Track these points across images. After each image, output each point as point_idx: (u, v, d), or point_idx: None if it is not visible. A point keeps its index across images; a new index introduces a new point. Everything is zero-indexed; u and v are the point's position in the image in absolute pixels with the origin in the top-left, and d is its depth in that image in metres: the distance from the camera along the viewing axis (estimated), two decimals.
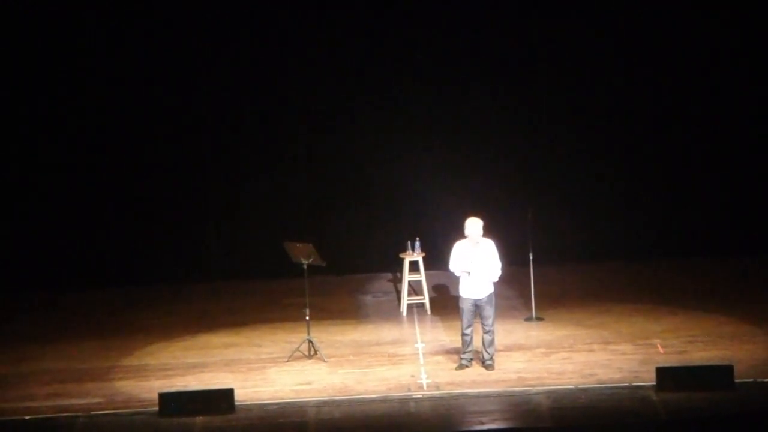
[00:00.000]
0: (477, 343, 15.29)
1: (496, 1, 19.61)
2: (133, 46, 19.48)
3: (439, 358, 15.79)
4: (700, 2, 19.61)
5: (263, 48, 19.65)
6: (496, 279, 15.15)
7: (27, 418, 14.26)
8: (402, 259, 18.16)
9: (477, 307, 15.13)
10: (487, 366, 15.17)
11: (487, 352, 15.19)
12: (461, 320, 15.20)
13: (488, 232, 15.32)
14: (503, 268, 15.27)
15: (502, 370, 15.15)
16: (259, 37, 19.64)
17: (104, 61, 19.47)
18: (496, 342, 15.32)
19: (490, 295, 15.14)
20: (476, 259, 15.04)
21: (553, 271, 19.03)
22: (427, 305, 18.04)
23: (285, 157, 20.02)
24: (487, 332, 15.13)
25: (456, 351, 15.59)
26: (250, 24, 19.61)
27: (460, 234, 15.23)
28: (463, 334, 15.22)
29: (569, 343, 16.13)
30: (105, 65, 19.49)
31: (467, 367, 15.23)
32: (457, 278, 15.23)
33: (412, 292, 18.28)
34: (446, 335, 16.67)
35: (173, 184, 19.88)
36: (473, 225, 15.09)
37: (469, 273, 15.06)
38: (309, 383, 15.04)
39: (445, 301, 18.16)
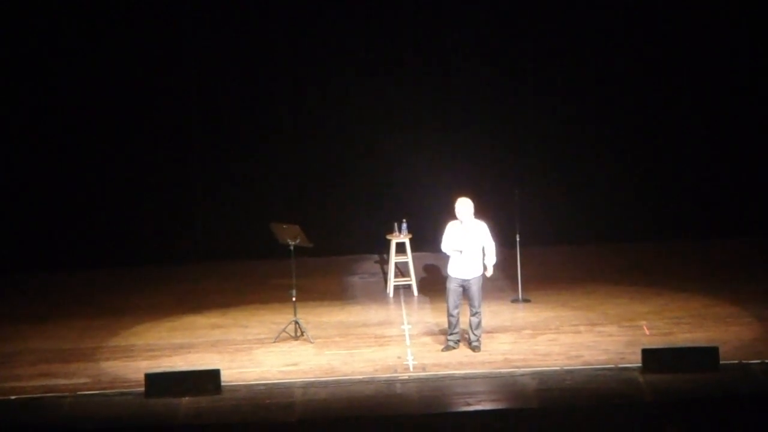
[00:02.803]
0: (463, 324, 15.31)
1: None
2: (112, 23, 19.39)
3: (426, 339, 15.81)
4: None
5: (249, 27, 19.60)
6: (495, 260, 15.16)
7: (13, 398, 14.24)
8: (389, 241, 18.17)
9: (464, 288, 15.16)
10: (474, 347, 15.18)
11: (473, 333, 15.20)
12: (447, 300, 15.24)
13: (476, 213, 15.33)
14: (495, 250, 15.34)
15: (488, 351, 15.18)
16: (245, 17, 19.59)
17: (83, 41, 19.40)
18: (483, 323, 15.34)
19: (478, 276, 15.15)
20: (467, 239, 15.07)
21: (540, 253, 19.07)
22: (414, 287, 18.05)
23: (271, 137, 19.99)
24: (474, 314, 15.14)
25: (443, 332, 15.61)
26: (237, 3, 19.56)
27: (447, 215, 15.27)
28: (449, 315, 15.24)
29: (555, 325, 16.16)
30: (84, 45, 19.41)
31: (454, 348, 15.25)
32: (448, 258, 15.26)
33: (398, 273, 18.29)
34: (433, 317, 16.68)
35: (158, 164, 19.84)
36: (463, 205, 15.12)
37: (461, 252, 15.08)
38: (295, 364, 15.05)
39: (431, 282, 18.17)
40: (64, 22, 19.34)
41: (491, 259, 15.19)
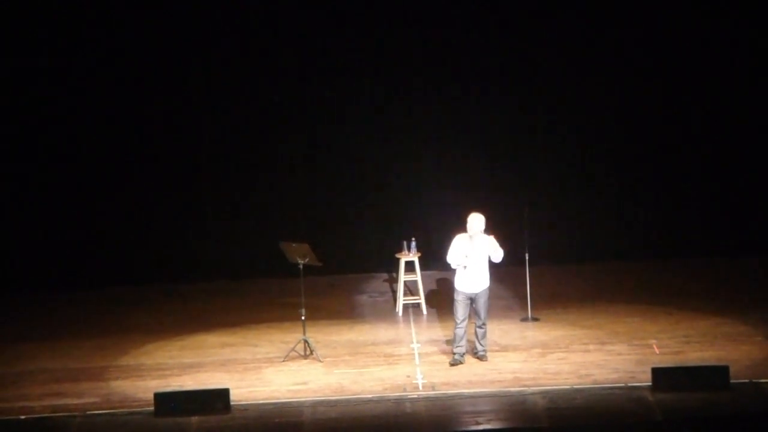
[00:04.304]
0: (469, 337, 15.35)
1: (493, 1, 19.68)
2: (128, 41, 19.45)
3: (435, 358, 15.79)
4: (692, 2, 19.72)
5: (261, 46, 19.66)
6: (498, 259, 15.19)
7: (23, 417, 14.24)
8: (398, 259, 18.17)
9: (471, 301, 15.23)
10: (481, 357, 15.30)
11: (479, 343, 15.37)
12: (455, 313, 15.30)
13: (487, 231, 15.35)
14: (503, 264, 15.36)
15: (497, 370, 15.16)
16: (257, 37, 19.64)
17: (100, 57, 19.45)
18: (492, 340, 15.35)
19: (485, 289, 15.26)
20: (471, 253, 15.11)
21: (549, 271, 19.05)
22: (423, 305, 18.04)
23: (281, 156, 20.01)
24: (480, 326, 15.30)
25: (451, 350, 15.57)
26: (249, 22, 19.62)
27: (456, 234, 15.29)
28: (457, 327, 15.30)
29: (565, 344, 16.14)
30: (101, 61, 19.46)
31: (460, 362, 15.27)
32: (454, 271, 15.31)
33: (407, 292, 18.29)
34: (442, 335, 16.66)
35: (168, 183, 19.87)
36: (473, 220, 15.20)
37: (465, 267, 15.13)
38: (305, 383, 15.04)
39: (440, 301, 18.16)
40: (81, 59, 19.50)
41: (495, 257, 15.19)
